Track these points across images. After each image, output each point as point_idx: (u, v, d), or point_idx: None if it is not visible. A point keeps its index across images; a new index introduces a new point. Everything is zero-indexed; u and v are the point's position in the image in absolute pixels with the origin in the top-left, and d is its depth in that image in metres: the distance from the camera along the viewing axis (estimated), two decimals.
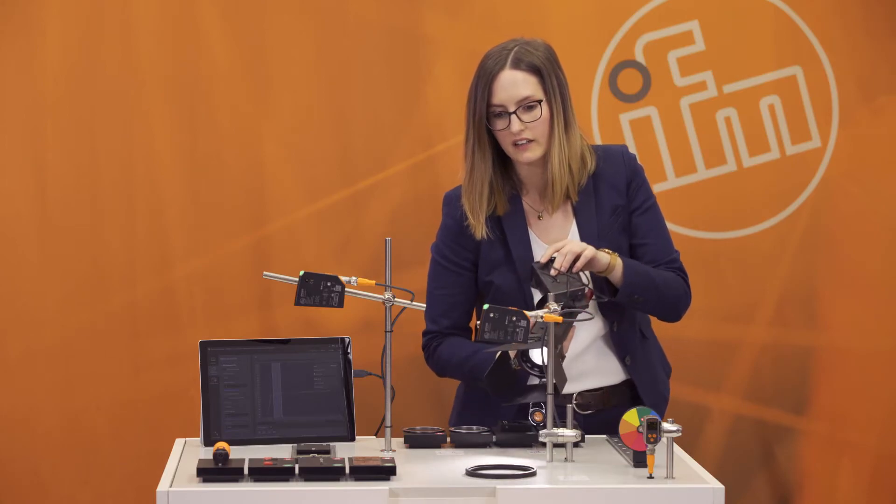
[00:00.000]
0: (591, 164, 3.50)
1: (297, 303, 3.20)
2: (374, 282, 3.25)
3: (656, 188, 4.41)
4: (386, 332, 3.25)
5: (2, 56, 4.29)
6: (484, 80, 3.43)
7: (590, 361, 3.51)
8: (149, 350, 4.34)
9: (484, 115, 3.43)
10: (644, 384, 3.53)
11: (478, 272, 3.54)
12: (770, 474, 4.45)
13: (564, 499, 2.95)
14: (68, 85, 4.30)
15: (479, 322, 3.14)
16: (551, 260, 3.32)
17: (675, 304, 3.53)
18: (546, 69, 3.44)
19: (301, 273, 3.20)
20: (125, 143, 4.32)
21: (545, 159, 3.47)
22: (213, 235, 4.35)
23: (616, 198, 3.51)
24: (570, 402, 3.32)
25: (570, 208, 3.53)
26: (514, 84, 3.41)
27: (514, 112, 3.41)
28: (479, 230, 3.48)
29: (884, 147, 4.44)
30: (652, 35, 4.39)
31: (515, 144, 3.43)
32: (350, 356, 3.41)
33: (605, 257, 3.37)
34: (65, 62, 4.30)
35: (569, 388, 3.41)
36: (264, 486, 2.93)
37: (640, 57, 4.39)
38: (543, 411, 3.25)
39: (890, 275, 4.43)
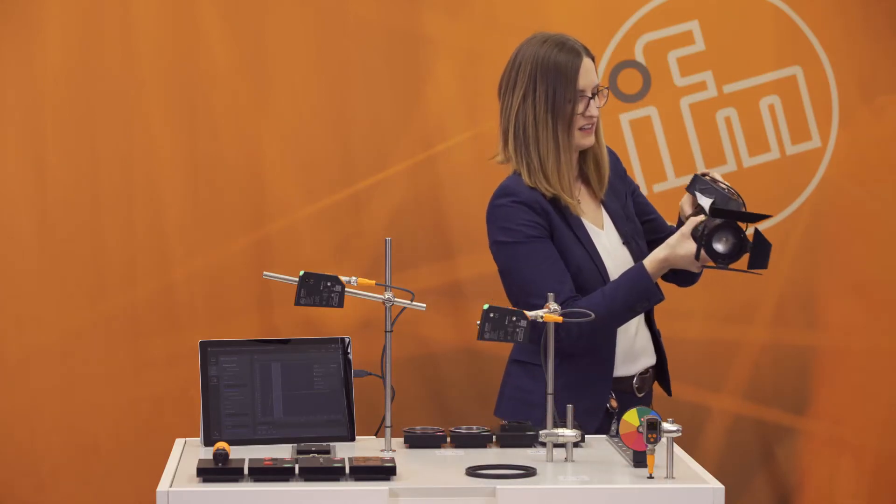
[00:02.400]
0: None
1: (297, 303, 3.20)
2: (374, 282, 3.25)
3: (656, 188, 4.41)
4: (386, 332, 3.25)
5: (2, 56, 4.30)
6: (569, 63, 3.52)
7: (641, 341, 3.64)
8: (149, 350, 4.34)
9: (574, 99, 3.52)
10: (666, 364, 3.70)
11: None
12: (770, 474, 4.46)
13: (564, 499, 2.95)
14: (68, 85, 4.30)
15: (478, 322, 3.15)
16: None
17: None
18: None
19: (301, 273, 3.20)
20: (125, 143, 4.32)
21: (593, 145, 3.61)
22: (213, 235, 4.35)
23: (620, 185, 3.69)
24: (632, 386, 3.58)
25: (594, 194, 3.65)
26: (592, 71, 3.56)
27: (593, 97, 3.54)
28: (575, 206, 3.56)
29: (884, 147, 4.44)
30: (652, 35, 4.39)
31: (582, 128, 3.54)
32: (350, 356, 3.41)
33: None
34: (65, 62, 4.30)
35: (629, 370, 3.59)
36: (264, 486, 2.93)
37: (640, 57, 4.39)
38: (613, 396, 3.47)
39: (890, 275, 4.43)
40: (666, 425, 3.01)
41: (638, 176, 4.40)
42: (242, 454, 3.08)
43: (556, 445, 3.17)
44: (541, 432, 3.16)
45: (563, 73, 3.53)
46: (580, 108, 3.53)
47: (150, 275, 4.34)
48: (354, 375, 3.39)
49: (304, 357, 3.40)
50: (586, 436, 3.37)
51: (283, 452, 3.17)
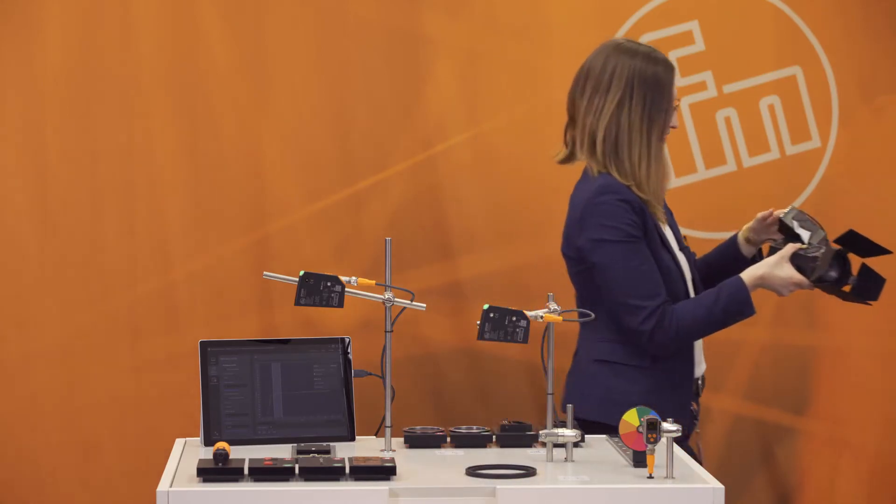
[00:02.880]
0: None
1: (297, 303, 3.20)
2: (374, 282, 3.25)
3: None
4: (386, 332, 3.25)
5: (2, 56, 4.30)
6: (669, 75, 3.60)
7: (700, 343, 3.69)
8: (149, 350, 4.34)
9: (668, 110, 3.60)
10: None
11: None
12: (770, 474, 4.46)
13: (564, 499, 2.95)
14: (68, 85, 4.30)
15: (478, 322, 3.15)
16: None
17: None
18: None
19: (301, 273, 3.20)
20: (125, 142, 4.32)
21: None
22: (213, 235, 4.35)
23: None
24: (697, 387, 3.68)
25: None
26: (676, 82, 3.66)
27: (677, 107, 3.63)
28: (661, 214, 3.62)
29: (884, 147, 4.44)
30: (652, 35, 4.39)
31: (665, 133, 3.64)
32: (350, 356, 3.41)
33: None
34: (65, 62, 4.30)
35: (697, 372, 3.67)
36: (264, 486, 2.93)
37: None
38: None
39: (889, 275, 4.42)
40: (666, 425, 3.01)
41: None
42: (242, 454, 3.08)
43: (556, 445, 3.17)
44: (541, 432, 3.17)
45: (661, 85, 3.58)
46: (672, 118, 3.61)
47: (150, 275, 4.34)
48: (354, 375, 3.39)
49: (304, 357, 3.40)
50: (586, 436, 3.37)
51: (283, 452, 3.17)
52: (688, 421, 3.58)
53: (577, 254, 3.58)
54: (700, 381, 3.71)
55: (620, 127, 3.57)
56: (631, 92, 3.57)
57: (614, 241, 3.53)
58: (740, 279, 3.54)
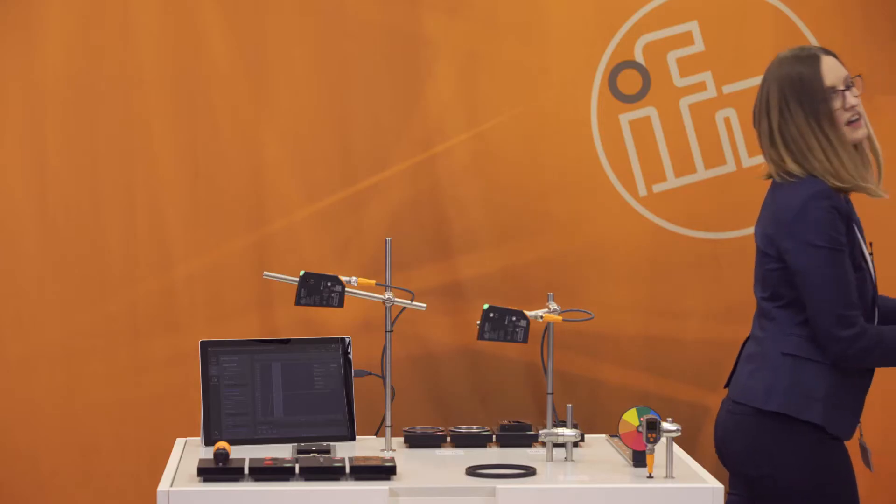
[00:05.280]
0: None
1: (298, 303, 3.20)
2: (374, 282, 3.25)
3: (655, 188, 4.41)
4: (386, 332, 3.25)
5: (2, 56, 4.30)
6: (810, 68, 3.58)
7: None
8: (149, 350, 4.34)
9: (826, 98, 3.56)
10: None
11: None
12: None
13: (564, 498, 2.95)
14: (69, 85, 4.30)
15: (478, 322, 3.15)
16: None
17: None
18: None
19: (301, 273, 3.20)
20: (125, 142, 4.32)
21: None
22: (213, 235, 4.35)
23: None
24: None
25: None
26: (837, 66, 3.59)
27: (846, 90, 3.57)
28: (876, 191, 3.60)
29: (883, 147, 4.43)
30: (652, 35, 4.39)
31: (850, 123, 3.57)
32: (350, 356, 3.41)
33: None
34: (65, 62, 4.30)
35: None
36: (265, 486, 2.93)
37: (639, 57, 4.39)
38: None
39: (890, 275, 4.42)
40: (665, 425, 3.02)
41: (637, 176, 4.40)
42: (243, 454, 3.08)
43: (556, 445, 3.17)
44: (541, 432, 3.17)
45: (806, 80, 3.57)
46: (837, 103, 3.57)
47: (150, 275, 4.34)
48: (354, 375, 3.40)
49: (304, 357, 3.41)
50: (586, 436, 3.37)
51: (283, 452, 3.17)
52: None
53: (779, 254, 3.57)
54: None
55: (793, 134, 3.58)
56: (786, 100, 3.59)
57: (823, 247, 3.53)
58: None
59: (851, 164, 3.58)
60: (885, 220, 4.44)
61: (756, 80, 4.39)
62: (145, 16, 4.30)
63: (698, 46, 4.39)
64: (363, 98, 4.36)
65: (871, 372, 3.60)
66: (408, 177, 4.36)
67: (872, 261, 3.65)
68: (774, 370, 3.55)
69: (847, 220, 3.54)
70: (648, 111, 4.40)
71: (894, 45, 4.40)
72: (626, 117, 4.40)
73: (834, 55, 3.60)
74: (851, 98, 3.57)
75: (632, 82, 4.40)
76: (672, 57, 4.39)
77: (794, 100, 3.58)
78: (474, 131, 4.39)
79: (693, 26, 4.39)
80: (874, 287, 3.60)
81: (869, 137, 3.62)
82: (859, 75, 3.61)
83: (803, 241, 3.51)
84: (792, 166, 3.56)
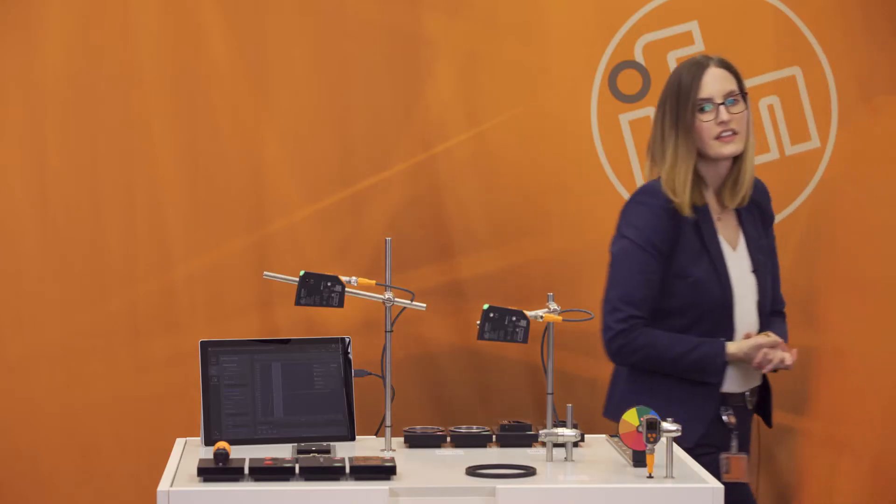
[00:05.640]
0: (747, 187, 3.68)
1: (298, 303, 3.20)
2: (374, 282, 3.25)
3: None
4: (386, 332, 3.25)
5: (2, 56, 4.30)
6: (689, 75, 3.62)
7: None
8: (149, 350, 4.34)
9: (694, 107, 3.60)
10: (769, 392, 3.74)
11: (670, 264, 3.61)
12: (770, 474, 4.46)
13: (564, 498, 2.95)
14: (69, 85, 4.30)
15: (478, 322, 3.15)
16: None
17: None
18: (740, 78, 3.68)
19: (301, 273, 3.20)
20: (125, 142, 4.32)
21: (736, 158, 3.64)
22: (213, 235, 4.35)
23: (760, 220, 3.75)
24: (744, 400, 3.64)
25: (735, 217, 3.69)
26: (720, 79, 3.63)
27: (722, 104, 3.60)
28: (686, 209, 3.60)
29: (883, 147, 4.44)
30: (652, 35, 4.39)
31: (719, 137, 3.59)
32: (350, 356, 3.41)
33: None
34: (65, 62, 4.30)
35: (740, 387, 3.64)
36: (265, 486, 2.93)
37: (639, 57, 4.40)
38: (730, 412, 3.54)
39: (889, 275, 4.43)
40: (665, 425, 3.02)
41: (637, 176, 4.40)
42: (243, 454, 3.08)
43: (556, 445, 3.17)
44: (541, 432, 3.17)
45: (683, 88, 3.62)
46: (708, 116, 3.59)
47: (150, 275, 4.34)
48: (354, 375, 3.40)
49: (304, 357, 3.41)
50: (586, 435, 3.38)
51: (283, 452, 3.18)
52: (702, 432, 3.56)
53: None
54: (748, 395, 3.67)
55: (655, 138, 3.65)
56: (664, 105, 3.65)
57: (629, 239, 3.60)
58: (723, 346, 3.57)
59: (683, 181, 3.60)
60: (885, 219, 4.44)
61: (756, 80, 4.41)
62: (145, 16, 4.30)
63: (698, 46, 4.40)
64: (363, 98, 4.36)
65: (710, 381, 3.60)
66: (408, 177, 4.37)
67: (759, 279, 3.66)
68: (613, 381, 3.73)
69: (674, 217, 3.59)
70: (648, 111, 4.40)
71: (894, 45, 4.40)
72: (626, 117, 4.41)
73: (728, 68, 3.64)
74: (725, 113, 3.58)
75: (632, 82, 4.40)
76: (672, 57, 4.39)
77: (669, 105, 3.63)
78: (474, 131, 4.39)
79: (693, 26, 4.39)
80: (723, 305, 3.60)
81: (744, 157, 3.62)
82: (742, 92, 3.62)
83: (618, 231, 3.64)
84: (649, 166, 3.68)
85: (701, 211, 3.63)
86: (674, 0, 4.38)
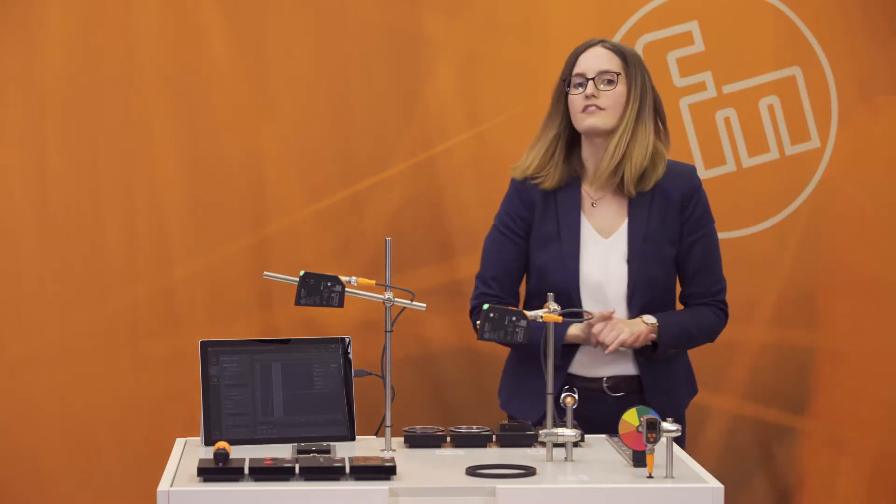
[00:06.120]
0: (659, 170, 3.64)
1: (298, 303, 3.20)
2: (374, 282, 3.25)
3: None
4: (386, 332, 3.25)
5: (2, 56, 4.30)
6: (574, 52, 3.68)
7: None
8: (149, 350, 4.34)
9: (567, 81, 3.65)
10: (653, 388, 3.65)
11: (529, 246, 3.67)
12: (770, 474, 4.46)
13: (564, 498, 2.95)
14: (69, 85, 4.30)
15: (477, 323, 3.15)
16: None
17: (705, 342, 3.80)
18: (631, 59, 3.67)
19: (301, 273, 3.20)
20: (125, 143, 4.32)
21: (612, 139, 3.63)
22: (213, 235, 4.35)
23: (669, 210, 3.66)
24: (602, 387, 3.61)
25: (625, 205, 3.65)
26: (598, 57, 3.66)
27: (593, 79, 3.63)
28: (551, 179, 3.65)
29: (883, 147, 4.44)
30: (651, 35, 4.39)
31: (585, 110, 3.61)
32: (350, 356, 3.41)
33: (649, 335, 3.59)
34: (65, 62, 4.30)
35: (597, 373, 3.63)
36: (265, 486, 2.93)
37: None
38: (575, 395, 3.41)
39: (889, 275, 4.43)
40: (665, 425, 3.02)
41: None
42: (243, 454, 3.08)
43: (556, 445, 3.17)
44: (541, 432, 3.17)
45: (567, 63, 3.69)
46: (578, 90, 3.63)
47: (150, 275, 4.34)
48: (354, 375, 3.40)
49: (304, 357, 3.41)
50: (586, 435, 3.38)
51: (283, 452, 3.18)
52: (542, 412, 3.53)
53: None
54: (627, 382, 3.63)
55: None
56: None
57: (495, 223, 3.72)
58: (564, 328, 3.56)
59: (535, 161, 3.67)
60: (885, 219, 4.44)
61: (756, 80, 4.41)
62: (145, 16, 4.30)
63: (698, 46, 4.40)
64: (363, 98, 4.36)
65: (537, 360, 3.50)
66: (408, 177, 4.37)
67: (633, 270, 3.59)
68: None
69: (529, 199, 3.66)
70: None
71: (894, 45, 4.40)
72: None
73: (617, 51, 3.65)
74: (593, 88, 3.61)
75: None
76: (672, 57, 4.39)
77: (559, 82, 3.70)
78: (474, 131, 4.39)
79: (693, 26, 4.39)
80: (566, 293, 3.57)
81: (632, 149, 3.60)
82: (618, 73, 3.62)
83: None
84: None
85: (568, 195, 3.64)
86: (674, 0, 4.38)
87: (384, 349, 3.25)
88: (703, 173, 4.42)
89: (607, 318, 3.53)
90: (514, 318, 3.14)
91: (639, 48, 4.39)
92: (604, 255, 3.62)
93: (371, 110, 4.36)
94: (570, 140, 3.69)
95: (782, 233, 4.42)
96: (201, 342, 3.38)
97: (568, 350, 3.62)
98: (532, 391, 3.59)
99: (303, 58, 4.34)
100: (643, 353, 3.63)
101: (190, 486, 2.95)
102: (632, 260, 3.62)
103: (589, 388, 3.60)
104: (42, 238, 4.32)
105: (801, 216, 4.43)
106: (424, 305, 3.33)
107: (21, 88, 4.30)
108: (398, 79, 4.36)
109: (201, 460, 3.02)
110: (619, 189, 3.64)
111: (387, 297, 3.24)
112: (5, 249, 4.32)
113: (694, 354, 4.41)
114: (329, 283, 3.20)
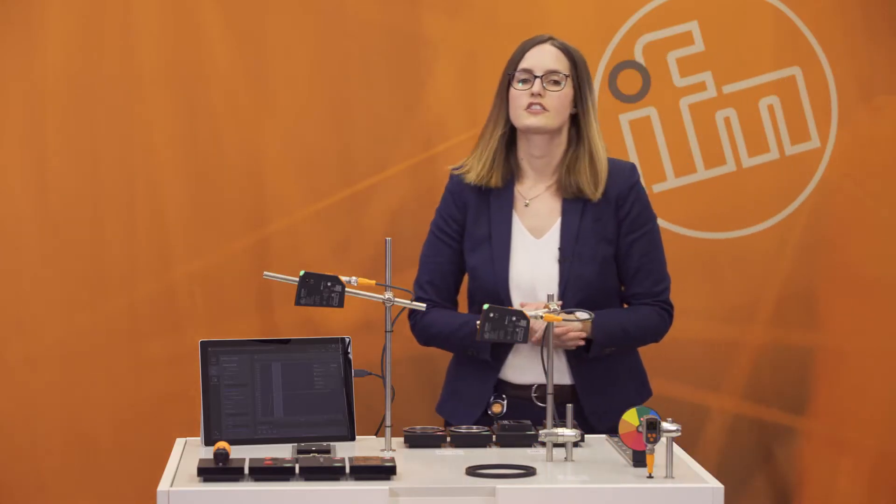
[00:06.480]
0: (601, 178, 3.60)
1: (298, 303, 3.20)
2: (374, 282, 3.25)
3: (655, 188, 4.41)
4: (386, 332, 3.25)
5: (2, 56, 4.30)
6: (521, 47, 3.63)
7: (531, 351, 3.59)
8: (149, 350, 4.34)
9: (511, 75, 3.60)
10: (591, 394, 3.57)
11: (463, 248, 3.65)
12: (770, 474, 4.46)
13: (564, 499, 2.95)
14: (69, 85, 4.30)
15: (478, 322, 3.15)
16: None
17: (646, 342, 3.70)
18: (579, 62, 3.63)
19: (301, 273, 3.20)
20: (125, 143, 4.32)
21: (552, 140, 3.59)
22: (213, 235, 4.35)
23: (604, 208, 3.60)
24: (530, 395, 3.57)
25: (559, 205, 3.61)
26: (548, 55, 3.61)
27: (540, 77, 3.57)
28: (495, 179, 3.61)
29: (883, 147, 4.44)
30: (652, 35, 4.39)
31: (529, 108, 3.56)
32: (350, 356, 3.41)
33: (580, 332, 3.52)
34: (66, 62, 4.30)
35: (525, 379, 3.58)
36: (265, 486, 2.93)
37: (639, 57, 4.40)
38: (503, 402, 3.43)
39: (889, 275, 4.43)
40: (665, 425, 3.02)
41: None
42: (243, 454, 3.08)
43: (556, 445, 3.17)
44: (541, 432, 3.17)
45: (513, 57, 3.63)
46: (523, 85, 3.57)
47: (150, 275, 4.34)
48: (354, 375, 3.39)
49: (304, 357, 3.40)
50: (586, 435, 3.38)
51: (283, 452, 3.17)
52: (475, 419, 3.55)
53: None
54: (534, 391, 3.59)
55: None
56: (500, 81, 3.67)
57: (431, 227, 3.71)
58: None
59: (480, 162, 3.62)
60: (885, 219, 4.44)
61: (756, 80, 4.41)
62: (145, 16, 4.30)
63: (698, 46, 4.40)
64: (363, 98, 4.36)
65: (489, 370, 3.58)
66: (408, 177, 4.37)
67: (564, 270, 3.54)
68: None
69: (463, 202, 3.64)
70: (648, 111, 4.40)
71: (894, 45, 4.40)
72: (626, 117, 4.41)
73: (566, 52, 3.59)
74: (539, 86, 3.55)
75: (632, 82, 4.40)
76: (672, 57, 4.39)
77: (501, 77, 3.63)
78: (474, 131, 4.38)
79: (693, 26, 4.39)
80: (496, 295, 3.54)
81: (581, 150, 3.57)
82: (566, 75, 3.56)
83: None
84: None
85: (502, 195, 3.61)
86: (674, 0, 4.38)
87: (384, 349, 3.25)
88: (702, 173, 4.42)
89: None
90: (513, 318, 3.14)
91: (639, 48, 4.39)
92: (535, 256, 3.59)
93: (371, 110, 4.36)
94: (510, 137, 3.66)
95: (782, 233, 4.42)
96: (201, 342, 3.38)
97: (501, 352, 3.59)
98: (466, 396, 3.56)
99: (303, 58, 4.34)
100: (577, 356, 3.56)
101: (190, 486, 2.94)
102: (563, 259, 3.57)
103: (517, 396, 3.57)
104: (42, 238, 4.32)
105: (801, 216, 4.43)
106: (424, 306, 3.32)
107: (21, 88, 4.30)
108: (398, 79, 4.36)
109: (201, 460, 3.01)
110: (559, 191, 3.61)
111: (387, 297, 3.24)
112: (5, 249, 4.32)
113: (694, 354, 4.42)
114: (329, 283, 3.20)
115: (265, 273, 3.28)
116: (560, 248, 3.58)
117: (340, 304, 3.21)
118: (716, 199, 4.43)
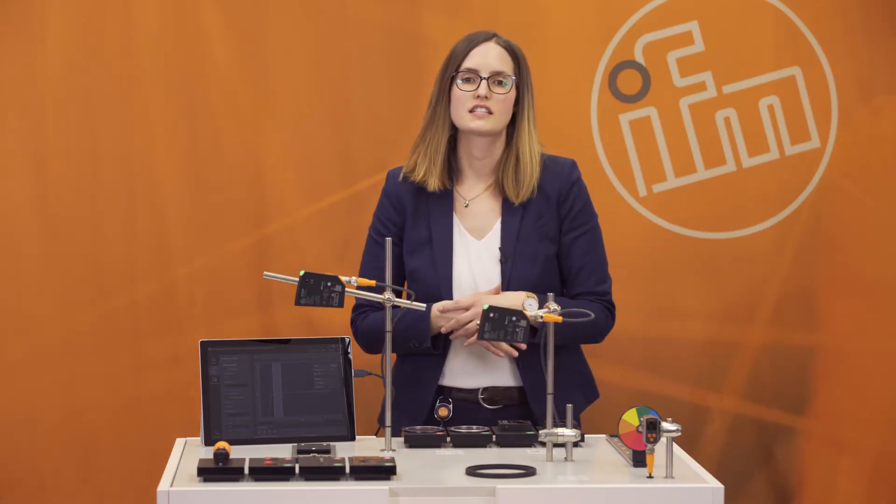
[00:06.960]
0: (537, 174, 3.55)
1: (298, 303, 3.20)
2: (374, 282, 3.25)
3: (655, 188, 4.41)
4: (386, 331, 3.25)
5: (2, 56, 4.30)
6: (465, 44, 3.53)
7: (491, 358, 3.55)
8: (149, 350, 4.34)
9: (454, 75, 3.51)
10: (538, 396, 3.46)
11: (402, 251, 3.59)
12: (770, 474, 4.46)
13: (564, 499, 2.95)
14: (69, 85, 4.30)
15: (478, 322, 3.15)
16: None
17: (588, 339, 3.61)
18: (522, 62, 3.56)
19: (301, 273, 3.20)
20: (125, 143, 4.32)
21: (494, 142, 3.54)
22: (214, 235, 4.35)
23: (545, 206, 3.56)
24: (478, 398, 3.53)
25: (499, 205, 3.57)
26: (493, 55, 3.52)
27: (486, 79, 3.49)
28: (434, 181, 3.55)
29: (883, 147, 4.44)
30: (651, 35, 4.39)
31: (472, 111, 3.50)
32: (350, 356, 3.41)
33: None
34: (66, 62, 4.30)
35: (471, 383, 3.54)
36: (265, 486, 2.93)
37: (639, 57, 4.40)
38: (449, 406, 3.44)
39: (889, 275, 4.43)
40: (665, 425, 3.02)
41: (637, 176, 4.40)
42: (243, 454, 3.08)
43: (556, 445, 3.17)
44: (541, 432, 3.17)
45: (453, 55, 3.54)
46: (467, 86, 3.49)
47: (150, 275, 4.34)
48: (354, 375, 3.39)
49: (304, 357, 3.40)
50: (586, 435, 3.38)
51: (283, 452, 3.17)
52: (433, 423, 3.51)
53: None
54: (508, 393, 3.55)
55: (426, 115, 3.62)
56: (438, 75, 3.58)
57: (369, 231, 3.66)
58: (428, 310, 3.46)
59: (424, 159, 3.56)
60: (885, 219, 4.44)
61: (756, 80, 4.41)
62: (145, 16, 4.30)
63: (698, 46, 4.40)
64: (363, 98, 4.36)
65: (430, 374, 3.54)
66: None
67: (506, 271, 3.49)
68: None
69: (400, 203, 3.58)
70: (648, 111, 4.40)
71: (894, 45, 4.40)
72: (626, 117, 4.41)
73: (510, 51, 3.52)
74: (485, 88, 3.48)
75: (632, 82, 4.40)
76: (672, 57, 4.39)
77: (439, 74, 3.55)
78: None
79: (693, 26, 4.39)
80: (438, 298, 3.49)
81: (519, 149, 3.51)
82: (513, 77, 3.50)
83: None
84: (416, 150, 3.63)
85: (441, 197, 3.56)
86: (674, 0, 4.38)
87: (384, 349, 3.25)
88: (702, 173, 4.42)
89: (461, 305, 3.46)
90: (514, 318, 3.14)
91: (639, 48, 4.39)
92: (477, 257, 3.55)
93: (371, 110, 4.36)
94: (451, 138, 3.59)
95: (782, 233, 4.42)
96: (201, 342, 3.38)
97: (437, 360, 3.55)
98: (403, 402, 3.51)
99: (303, 58, 4.34)
100: (524, 360, 3.52)
101: (190, 486, 2.94)
102: (504, 260, 3.53)
103: (464, 400, 3.54)
104: (42, 238, 4.32)
105: (801, 216, 4.43)
106: (424, 306, 3.33)
107: (21, 88, 4.30)
108: (398, 79, 4.36)
109: (201, 460, 3.01)
110: (498, 191, 3.56)
111: (387, 297, 3.24)
112: (5, 249, 4.32)
113: (694, 354, 4.42)
114: (329, 283, 3.20)
115: (265, 273, 3.28)
116: (500, 249, 3.54)
117: (340, 304, 3.22)
118: (716, 199, 4.43)
